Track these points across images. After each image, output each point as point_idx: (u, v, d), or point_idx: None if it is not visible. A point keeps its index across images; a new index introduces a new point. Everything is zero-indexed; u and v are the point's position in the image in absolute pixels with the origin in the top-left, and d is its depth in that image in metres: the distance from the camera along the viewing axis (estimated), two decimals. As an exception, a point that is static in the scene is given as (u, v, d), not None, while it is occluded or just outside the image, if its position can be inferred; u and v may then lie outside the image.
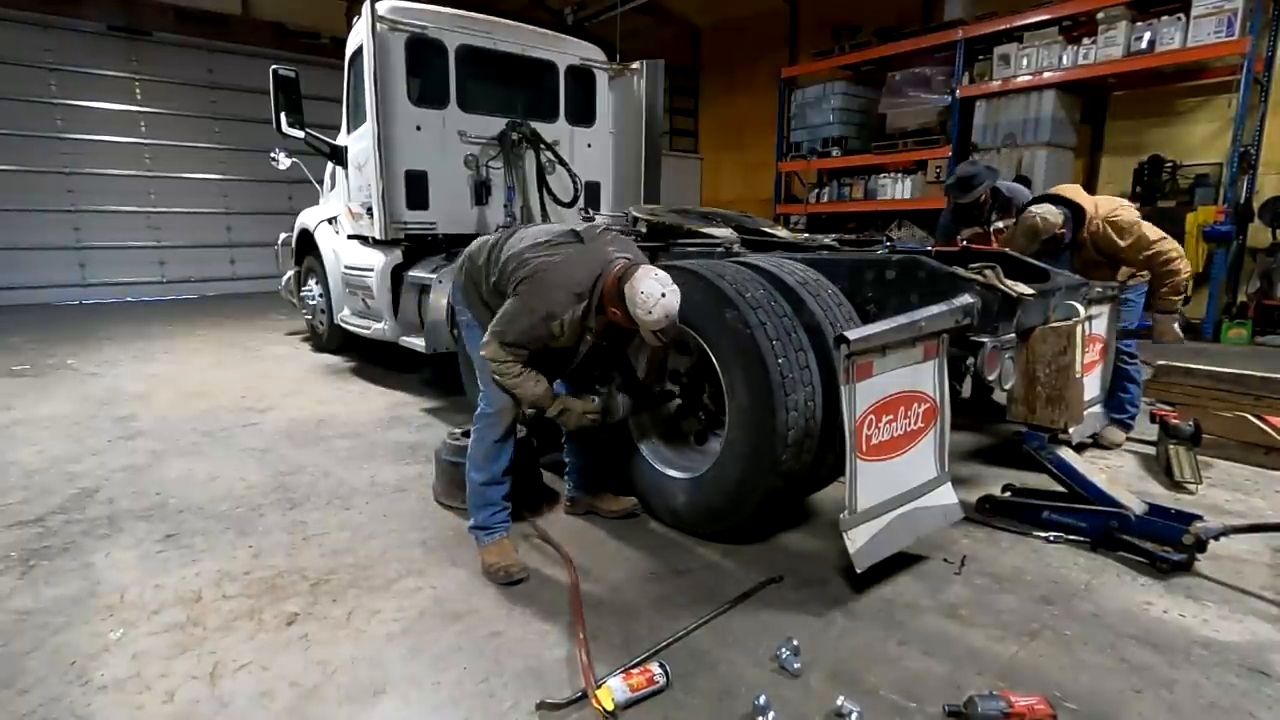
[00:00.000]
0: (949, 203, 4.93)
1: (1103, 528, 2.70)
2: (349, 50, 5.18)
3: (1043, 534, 2.82)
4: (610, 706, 1.74)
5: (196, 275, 11.26)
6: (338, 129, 5.63)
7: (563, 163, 5.35)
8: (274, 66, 5.18)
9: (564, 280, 2.36)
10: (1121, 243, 3.59)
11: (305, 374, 5.85)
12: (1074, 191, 3.80)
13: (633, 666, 1.91)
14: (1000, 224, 4.67)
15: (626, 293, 2.28)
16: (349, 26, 5.16)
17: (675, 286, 2.29)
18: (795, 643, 1.99)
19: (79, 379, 5.53)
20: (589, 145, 5.75)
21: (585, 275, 2.38)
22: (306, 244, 6.43)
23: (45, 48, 9.71)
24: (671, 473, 2.89)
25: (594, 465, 3.07)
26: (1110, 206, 3.69)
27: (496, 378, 2.48)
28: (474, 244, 2.80)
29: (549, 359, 2.53)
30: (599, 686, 1.80)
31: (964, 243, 4.65)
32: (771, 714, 1.74)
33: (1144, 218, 3.67)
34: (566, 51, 5.53)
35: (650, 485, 2.96)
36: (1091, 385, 3.53)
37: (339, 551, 2.70)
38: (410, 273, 4.91)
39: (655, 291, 2.24)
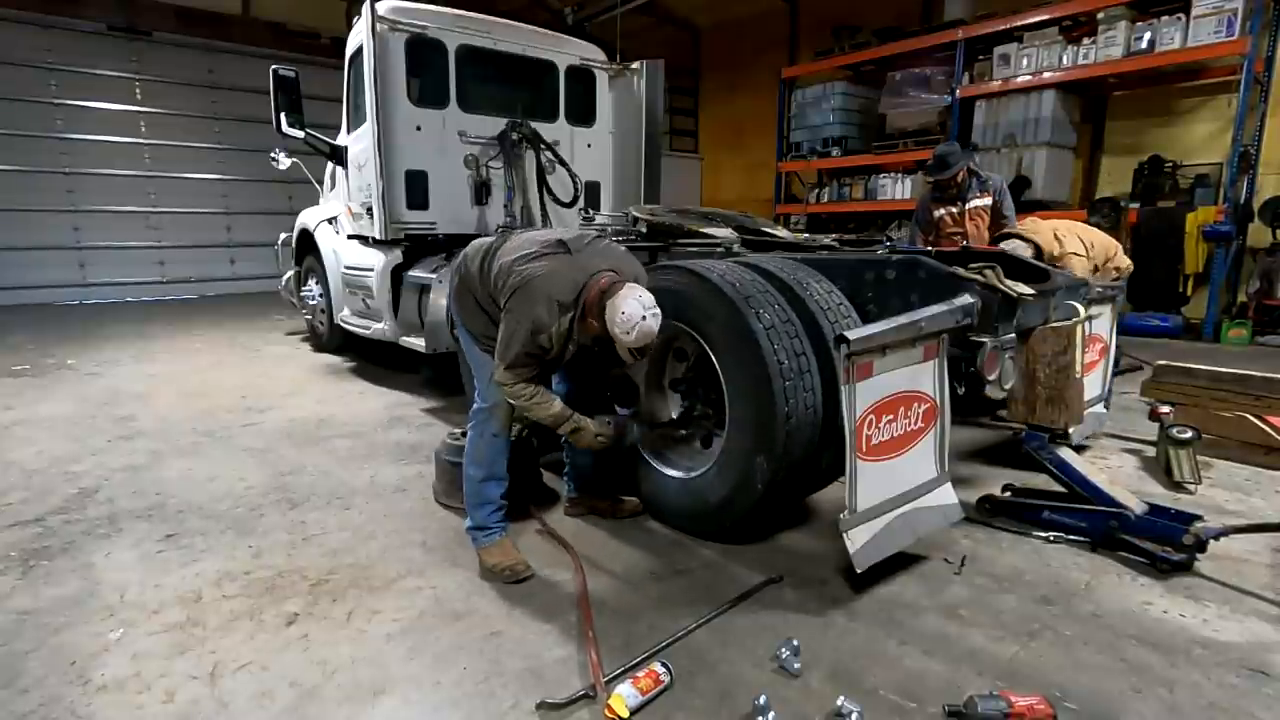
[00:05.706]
0: (926, 191, 5.04)
1: (1103, 528, 2.70)
2: (349, 50, 5.19)
3: (1043, 534, 2.81)
4: (625, 715, 1.74)
5: (196, 275, 11.27)
6: (338, 129, 5.63)
7: (563, 163, 5.35)
8: (274, 66, 5.19)
9: (547, 293, 2.30)
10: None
11: (305, 374, 5.85)
12: (1034, 227, 4.03)
13: (635, 668, 1.91)
14: (976, 202, 4.79)
15: (607, 310, 2.26)
16: (349, 26, 5.16)
17: (658, 309, 2.28)
18: (795, 643, 1.99)
19: (79, 379, 5.53)
20: (589, 145, 5.75)
21: (569, 286, 2.33)
22: (306, 244, 6.43)
23: (45, 48, 9.71)
24: (672, 473, 2.89)
25: (594, 465, 3.06)
26: (1070, 249, 3.87)
27: (513, 401, 2.46)
28: (469, 248, 2.74)
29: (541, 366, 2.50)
30: (608, 694, 1.79)
31: (941, 216, 4.88)
32: (771, 714, 1.74)
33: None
34: (566, 51, 5.53)
35: (650, 485, 2.96)
36: (1092, 385, 3.54)
37: (339, 551, 2.70)
38: (410, 273, 4.91)
39: (636, 314, 2.22)
